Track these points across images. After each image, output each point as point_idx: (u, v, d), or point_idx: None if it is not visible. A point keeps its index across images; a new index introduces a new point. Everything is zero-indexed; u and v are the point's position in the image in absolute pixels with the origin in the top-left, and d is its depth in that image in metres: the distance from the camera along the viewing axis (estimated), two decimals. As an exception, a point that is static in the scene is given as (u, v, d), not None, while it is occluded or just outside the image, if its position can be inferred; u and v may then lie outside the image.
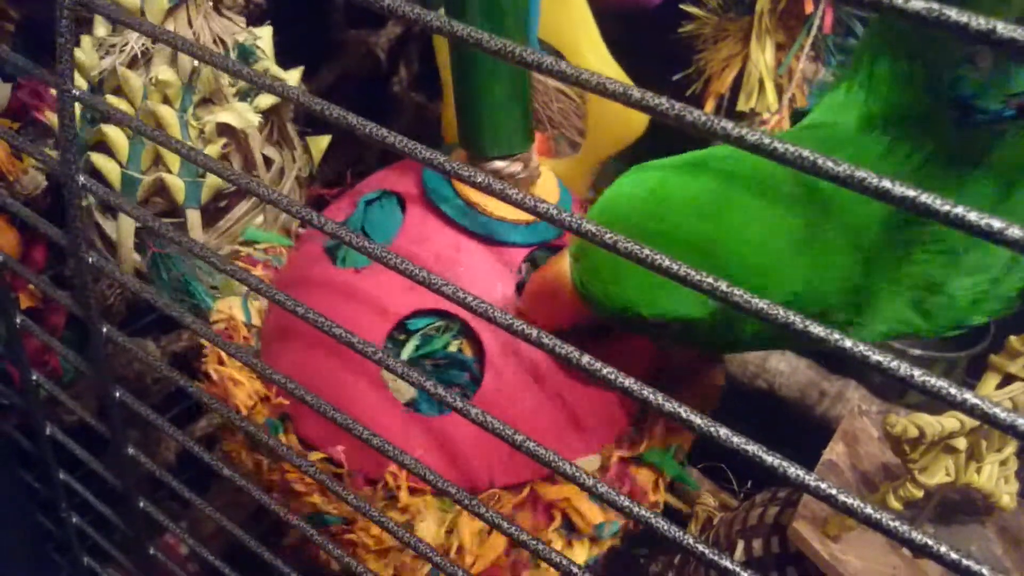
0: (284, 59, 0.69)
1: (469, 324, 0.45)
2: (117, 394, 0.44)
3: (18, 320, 0.49)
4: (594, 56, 0.58)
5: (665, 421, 0.49)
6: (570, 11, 0.58)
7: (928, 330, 0.40)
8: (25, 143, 0.43)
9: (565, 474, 0.27)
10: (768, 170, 0.36)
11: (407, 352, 0.45)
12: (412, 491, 0.44)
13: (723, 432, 0.23)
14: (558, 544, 0.45)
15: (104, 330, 0.41)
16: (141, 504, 0.49)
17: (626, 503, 0.26)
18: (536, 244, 0.47)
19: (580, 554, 0.45)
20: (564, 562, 0.30)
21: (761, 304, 0.22)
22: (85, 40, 0.62)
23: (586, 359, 0.26)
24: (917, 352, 0.88)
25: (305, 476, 0.44)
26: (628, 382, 0.25)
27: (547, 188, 0.50)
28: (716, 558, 0.25)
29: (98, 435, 0.49)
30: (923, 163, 0.37)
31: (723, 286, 0.22)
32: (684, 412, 0.24)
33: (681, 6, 0.79)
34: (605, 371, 0.25)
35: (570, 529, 0.46)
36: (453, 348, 0.45)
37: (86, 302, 0.41)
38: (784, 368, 0.80)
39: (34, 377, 0.52)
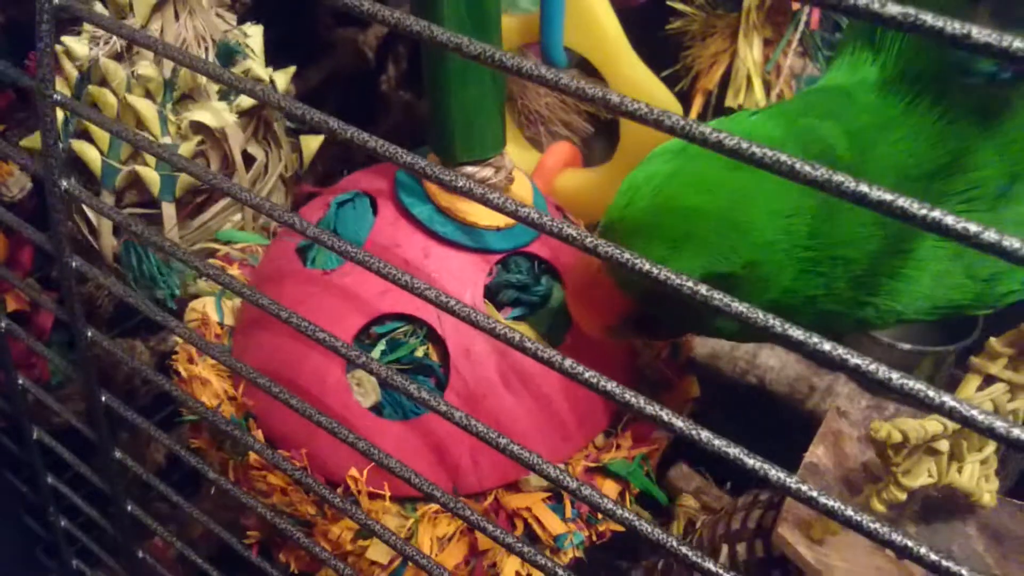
0: (271, 57, 0.69)
1: (435, 329, 0.44)
2: (103, 398, 0.44)
3: (3, 324, 0.49)
4: (626, 67, 0.57)
5: (632, 431, 0.49)
6: (598, 21, 0.57)
7: (984, 296, 0.39)
8: (7, 147, 0.43)
9: (547, 475, 0.27)
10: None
11: (374, 356, 0.45)
12: (371, 496, 0.44)
13: (704, 435, 0.23)
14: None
15: (89, 334, 0.41)
16: (129, 507, 0.49)
17: (609, 504, 0.26)
18: (510, 250, 0.47)
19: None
20: (549, 564, 0.30)
21: (740, 308, 0.22)
22: (85, 29, 0.62)
23: (568, 362, 0.26)
24: (907, 347, 0.88)
25: (267, 476, 0.44)
26: (610, 386, 0.25)
27: (521, 193, 0.49)
28: (700, 561, 0.25)
29: (86, 438, 0.49)
30: (942, 121, 0.37)
31: (702, 289, 0.22)
32: (666, 415, 0.24)
33: (668, 2, 0.79)
34: (587, 375, 0.25)
35: (532, 540, 0.45)
36: (420, 353, 0.45)
37: (71, 306, 0.41)
38: (774, 363, 0.80)
39: (20, 381, 0.52)
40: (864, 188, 0.20)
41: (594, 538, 0.47)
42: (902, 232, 0.37)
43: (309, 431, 0.44)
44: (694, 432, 0.24)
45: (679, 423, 0.24)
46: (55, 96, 0.35)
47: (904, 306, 0.39)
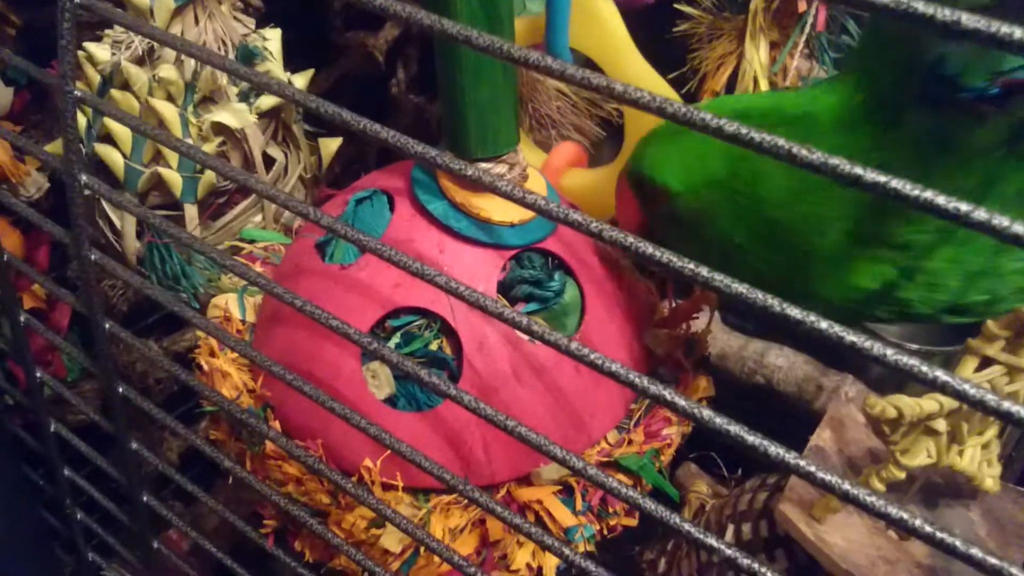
0: (283, 61, 0.70)
1: (448, 323, 0.45)
2: (120, 389, 0.45)
3: (22, 319, 0.50)
4: (632, 66, 0.58)
5: (644, 427, 0.49)
6: (603, 21, 0.59)
7: (923, 306, 0.41)
8: (29, 144, 0.44)
9: (554, 456, 0.28)
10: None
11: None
12: (384, 487, 0.45)
13: (706, 414, 0.24)
14: (529, 547, 0.45)
15: (107, 326, 0.42)
16: (145, 498, 0.50)
17: (614, 484, 0.27)
18: (523, 246, 0.48)
19: (550, 558, 0.46)
20: (563, 548, 0.31)
21: (740, 288, 0.23)
22: (107, 35, 0.64)
23: (574, 345, 0.26)
24: (914, 347, 0.89)
25: (283, 465, 0.45)
26: (615, 367, 0.26)
27: (535, 189, 0.50)
28: (702, 537, 0.26)
29: (101, 436, 0.50)
30: (892, 143, 0.39)
31: (703, 272, 0.23)
32: (669, 394, 0.25)
33: (676, 5, 0.80)
34: (593, 356, 0.26)
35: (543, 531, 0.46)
36: (434, 347, 0.45)
37: (90, 299, 0.42)
38: (782, 363, 0.81)
39: (39, 375, 0.53)
40: (859, 171, 0.21)
41: (605, 532, 0.48)
42: (822, 211, 0.40)
43: (324, 422, 0.45)
44: (696, 411, 0.24)
45: (681, 402, 0.25)
46: (75, 93, 0.36)
47: (820, 287, 0.42)
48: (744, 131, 0.22)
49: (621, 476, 0.48)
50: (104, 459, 0.52)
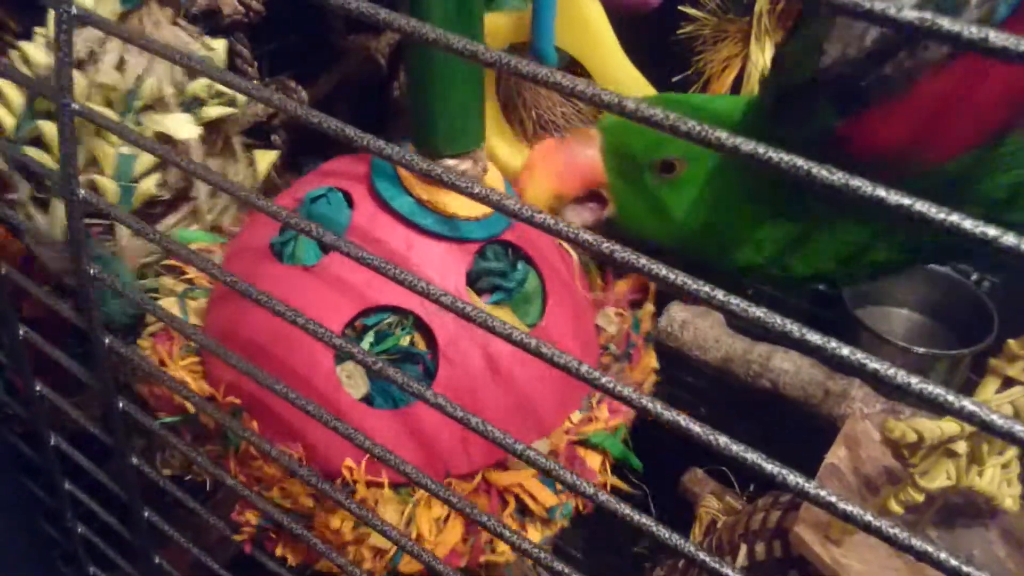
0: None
1: (421, 318, 0.45)
2: (120, 404, 0.44)
3: (21, 331, 0.50)
4: (615, 66, 0.58)
5: (608, 403, 0.51)
6: (588, 22, 0.59)
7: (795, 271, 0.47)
8: (24, 156, 0.43)
9: (526, 458, 0.28)
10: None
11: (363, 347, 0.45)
12: (369, 484, 0.45)
13: (723, 440, 0.23)
14: (513, 527, 0.45)
15: (107, 341, 0.42)
16: (146, 514, 0.49)
17: (627, 511, 0.26)
18: (486, 239, 0.48)
19: (534, 536, 0.47)
20: (522, 542, 0.31)
21: (758, 312, 0.22)
22: (38, 34, 0.62)
23: (558, 354, 0.26)
24: (921, 350, 0.88)
25: (263, 467, 0.45)
26: (605, 381, 0.25)
27: (494, 183, 0.51)
28: (717, 566, 0.25)
29: (104, 444, 0.49)
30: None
31: (704, 286, 0.23)
32: (683, 421, 0.24)
33: (680, 8, 0.79)
34: (583, 369, 0.25)
35: (523, 513, 0.47)
36: (406, 342, 0.45)
37: (89, 314, 0.41)
38: (788, 367, 0.80)
39: (38, 388, 0.52)
40: (881, 192, 0.20)
41: (580, 508, 0.48)
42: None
43: (303, 423, 0.44)
44: (711, 437, 0.24)
45: (697, 428, 0.24)
46: (74, 105, 0.35)
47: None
48: (760, 150, 0.21)
49: (591, 452, 0.49)
50: (104, 472, 0.52)
